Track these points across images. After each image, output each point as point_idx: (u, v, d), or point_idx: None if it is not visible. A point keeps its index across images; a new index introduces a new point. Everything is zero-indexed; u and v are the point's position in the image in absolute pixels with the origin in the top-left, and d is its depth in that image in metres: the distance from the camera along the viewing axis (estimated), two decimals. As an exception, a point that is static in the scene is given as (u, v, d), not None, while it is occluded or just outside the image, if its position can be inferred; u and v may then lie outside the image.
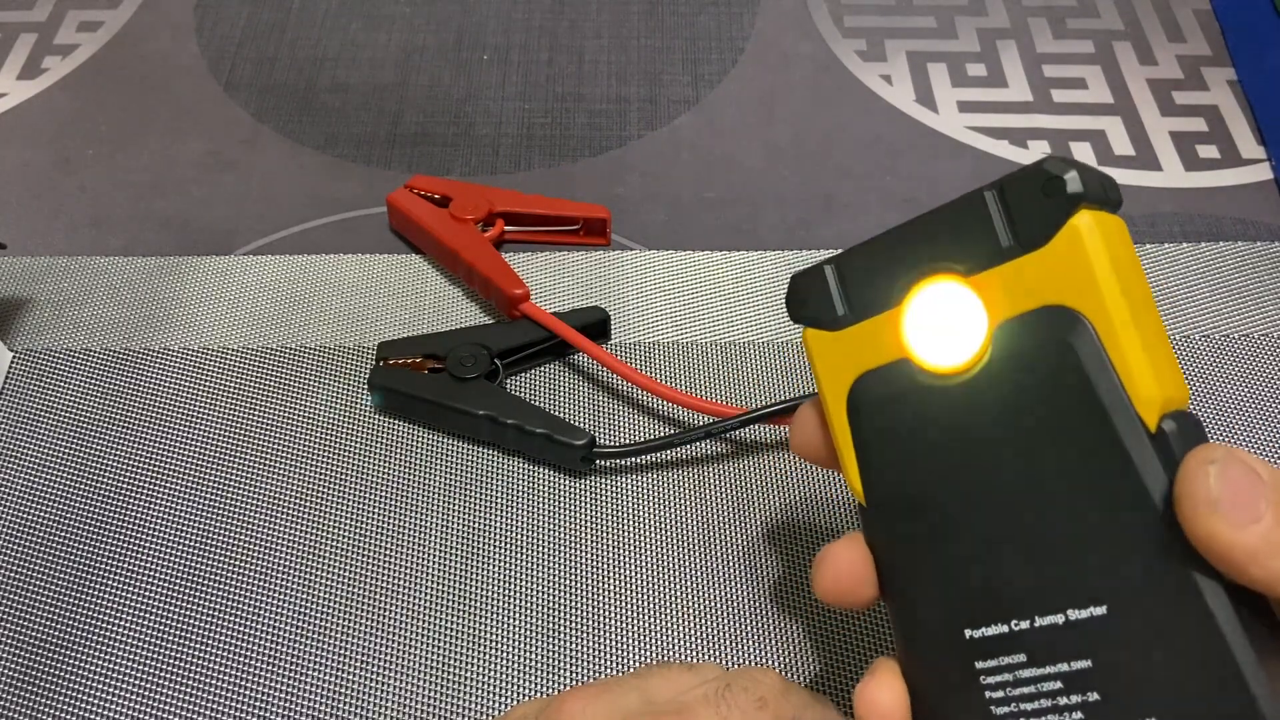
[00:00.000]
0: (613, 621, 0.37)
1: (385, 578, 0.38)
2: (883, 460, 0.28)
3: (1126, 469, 0.23)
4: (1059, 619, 0.24)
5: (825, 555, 0.29)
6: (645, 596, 0.38)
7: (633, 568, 0.39)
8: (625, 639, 0.37)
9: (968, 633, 0.26)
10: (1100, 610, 0.24)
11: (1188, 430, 0.23)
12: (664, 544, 0.39)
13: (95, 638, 0.37)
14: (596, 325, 0.44)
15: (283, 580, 0.38)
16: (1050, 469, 0.25)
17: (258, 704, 0.36)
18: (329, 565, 0.39)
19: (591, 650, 0.37)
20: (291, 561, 0.39)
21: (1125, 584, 0.23)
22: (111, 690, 0.36)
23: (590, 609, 0.38)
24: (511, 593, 0.38)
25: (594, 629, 0.37)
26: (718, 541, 0.39)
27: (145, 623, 0.37)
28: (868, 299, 0.28)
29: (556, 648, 0.37)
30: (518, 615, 0.37)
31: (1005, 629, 0.25)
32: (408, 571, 0.38)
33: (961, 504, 0.26)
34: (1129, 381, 0.23)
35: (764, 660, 0.36)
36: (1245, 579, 0.22)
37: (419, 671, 0.36)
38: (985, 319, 0.26)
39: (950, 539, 0.26)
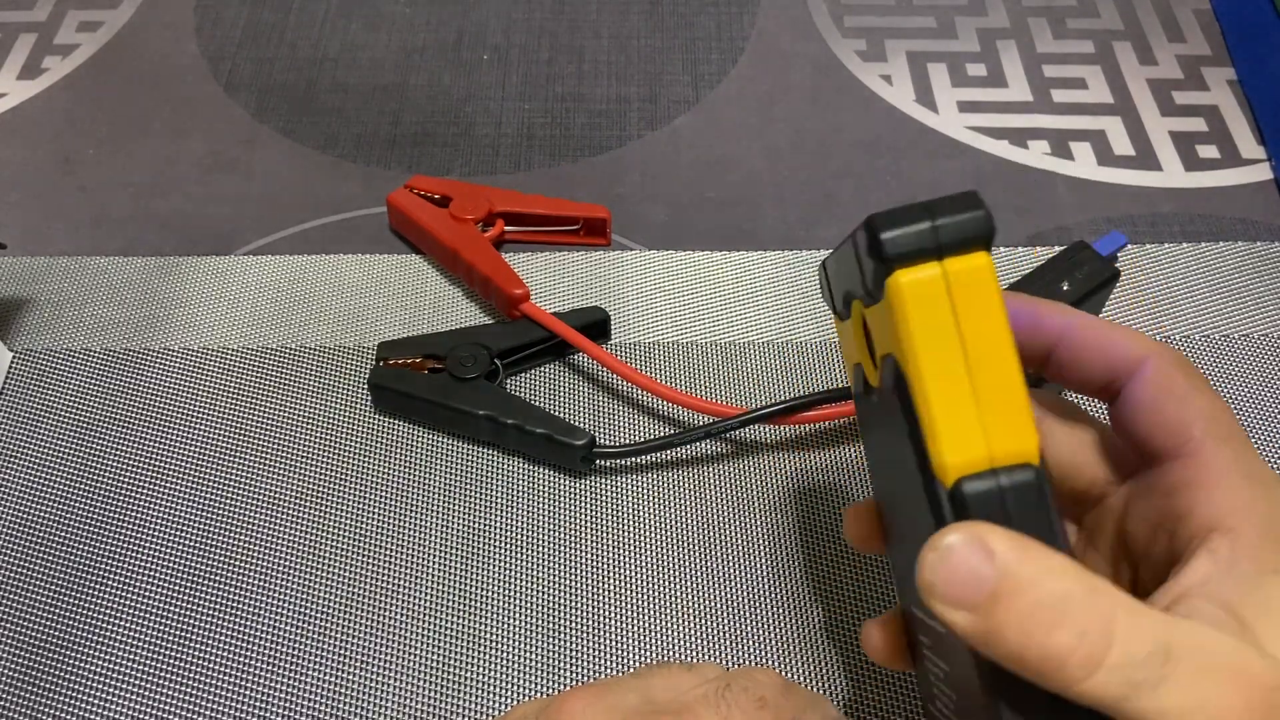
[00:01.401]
0: (613, 621, 0.37)
1: (385, 578, 0.38)
2: (865, 436, 0.31)
3: (937, 518, 0.24)
4: (935, 620, 0.25)
5: (853, 508, 0.32)
6: (645, 596, 0.38)
7: (633, 568, 0.39)
8: (625, 639, 0.37)
9: (912, 609, 0.28)
10: (939, 625, 0.25)
11: (991, 495, 0.23)
12: (664, 544, 0.39)
13: (95, 638, 0.37)
14: (596, 325, 0.44)
15: (283, 580, 0.38)
16: (911, 492, 0.26)
17: (258, 704, 0.36)
18: (329, 565, 0.39)
19: (591, 650, 0.37)
20: (291, 561, 0.39)
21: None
22: (111, 690, 0.36)
23: (590, 609, 0.38)
24: (511, 593, 0.38)
25: (594, 629, 0.37)
26: (718, 541, 0.39)
27: (145, 623, 0.37)
28: (841, 303, 0.30)
29: (556, 648, 0.37)
30: (518, 615, 0.37)
31: (922, 614, 0.27)
32: (408, 571, 0.38)
33: (890, 497, 0.29)
34: (931, 442, 0.24)
35: (764, 660, 0.36)
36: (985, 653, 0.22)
37: (419, 671, 0.36)
38: (875, 349, 0.27)
39: (892, 521, 0.29)
